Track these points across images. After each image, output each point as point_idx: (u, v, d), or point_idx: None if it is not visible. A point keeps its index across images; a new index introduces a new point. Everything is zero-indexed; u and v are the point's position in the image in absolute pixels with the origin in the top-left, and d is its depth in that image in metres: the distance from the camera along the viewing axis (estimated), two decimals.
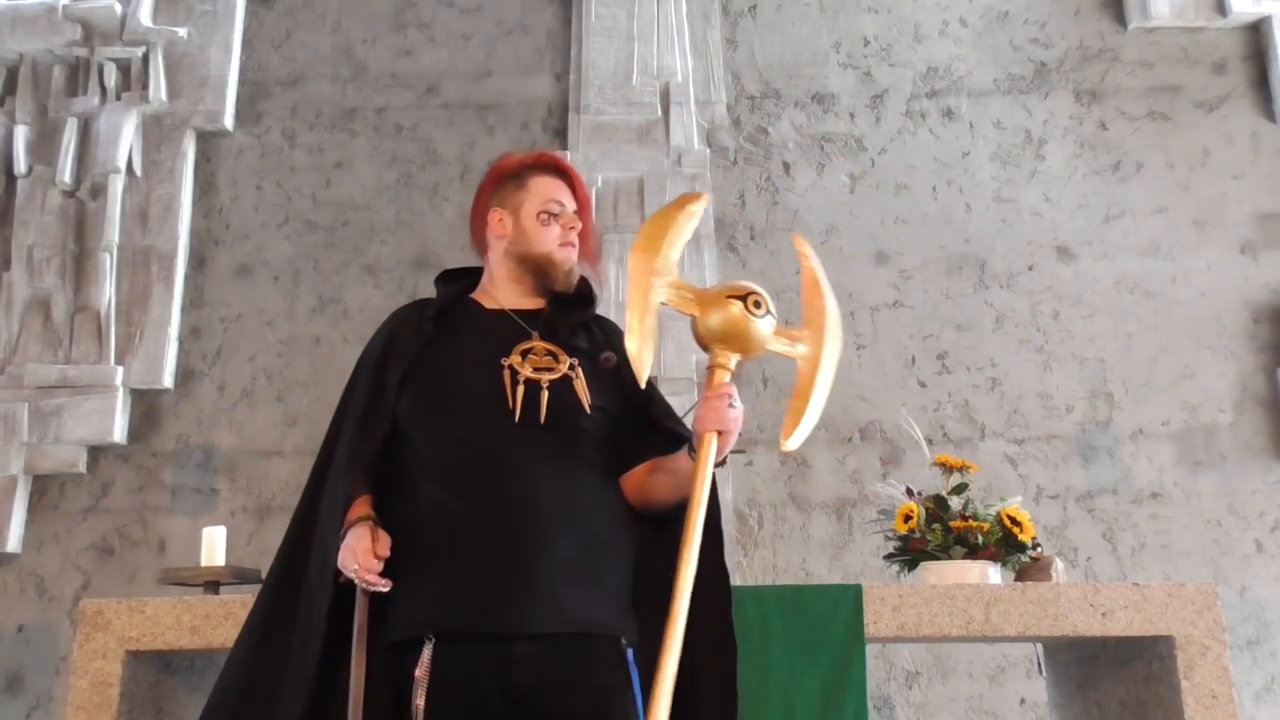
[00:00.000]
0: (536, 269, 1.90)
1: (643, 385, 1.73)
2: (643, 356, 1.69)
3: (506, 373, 1.76)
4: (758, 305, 1.71)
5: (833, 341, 1.82)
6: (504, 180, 1.94)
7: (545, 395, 1.75)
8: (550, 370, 1.80)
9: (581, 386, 1.79)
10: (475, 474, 1.69)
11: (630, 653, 1.66)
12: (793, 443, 1.72)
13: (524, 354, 1.81)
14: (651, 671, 1.52)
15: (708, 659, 1.67)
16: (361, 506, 1.72)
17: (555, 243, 1.90)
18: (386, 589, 1.61)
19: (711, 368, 1.71)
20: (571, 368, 1.81)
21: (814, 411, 1.75)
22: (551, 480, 1.69)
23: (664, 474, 1.78)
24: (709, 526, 1.65)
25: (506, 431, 1.71)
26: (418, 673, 1.55)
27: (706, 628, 1.66)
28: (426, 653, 1.56)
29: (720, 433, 1.65)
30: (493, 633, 1.57)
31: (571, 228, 1.91)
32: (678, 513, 1.66)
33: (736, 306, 1.71)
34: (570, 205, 1.93)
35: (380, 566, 1.62)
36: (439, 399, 1.78)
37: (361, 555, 1.62)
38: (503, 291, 1.92)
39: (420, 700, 1.54)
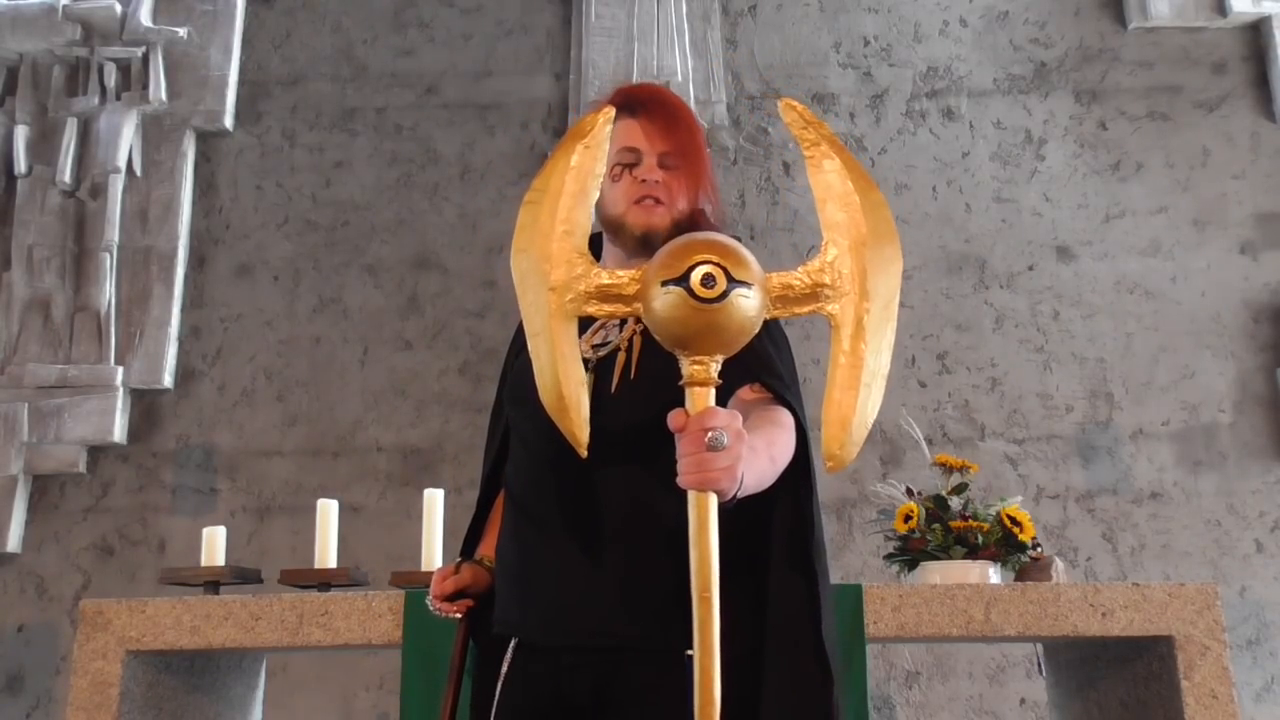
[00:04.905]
0: (614, 233, 1.55)
1: (583, 455, 1.26)
2: (569, 421, 1.24)
3: None
4: (709, 282, 1.13)
5: (885, 277, 1.24)
6: None
7: (591, 377, 1.41)
8: (606, 344, 1.49)
9: (624, 359, 1.45)
10: (524, 472, 1.55)
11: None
12: (839, 459, 1.22)
13: (598, 328, 1.50)
14: (722, 684, 1.32)
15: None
16: (488, 539, 1.66)
17: (626, 201, 1.51)
18: (449, 614, 1.61)
19: (683, 385, 1.19)
20: (633, 337, 1.46)
21: (867, 407, 1.22)
22: (590, 480, 1.41)
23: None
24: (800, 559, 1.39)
25: (547, 424, 1.38)
26: (504, 669, 1.54)
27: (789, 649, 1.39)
28: (509, 652, 1.54)
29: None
30: (538, 643, 1.50)
31: (644, 180, 1.50)
32: (779, 489, 1.35)
33: (673, 293, 1.14)
34: (655, 149, 1.51)
35: (446, 592, 1.60)
36: (519, 389, 1.54)
37: (434, 581, 1.62)
38: (610, 256, 1.59)
39: (498, 696, 1.53)
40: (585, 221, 1.26)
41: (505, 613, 1.55)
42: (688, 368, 1.18)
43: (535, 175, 1.28)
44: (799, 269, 1.24)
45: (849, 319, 1.23)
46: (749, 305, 1.16)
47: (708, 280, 1.13)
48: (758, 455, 1.23)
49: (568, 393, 1.24)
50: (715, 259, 1.15)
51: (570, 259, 1.24)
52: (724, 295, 1.13)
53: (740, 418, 1.18)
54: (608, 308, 1.23)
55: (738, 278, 1.14)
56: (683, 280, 1.14)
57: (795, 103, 1.28)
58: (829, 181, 1.27)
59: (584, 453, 1.25)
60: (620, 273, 1.24)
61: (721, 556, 1.18)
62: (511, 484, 1.60)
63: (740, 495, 1.20)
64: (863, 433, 1.22)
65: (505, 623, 1.55)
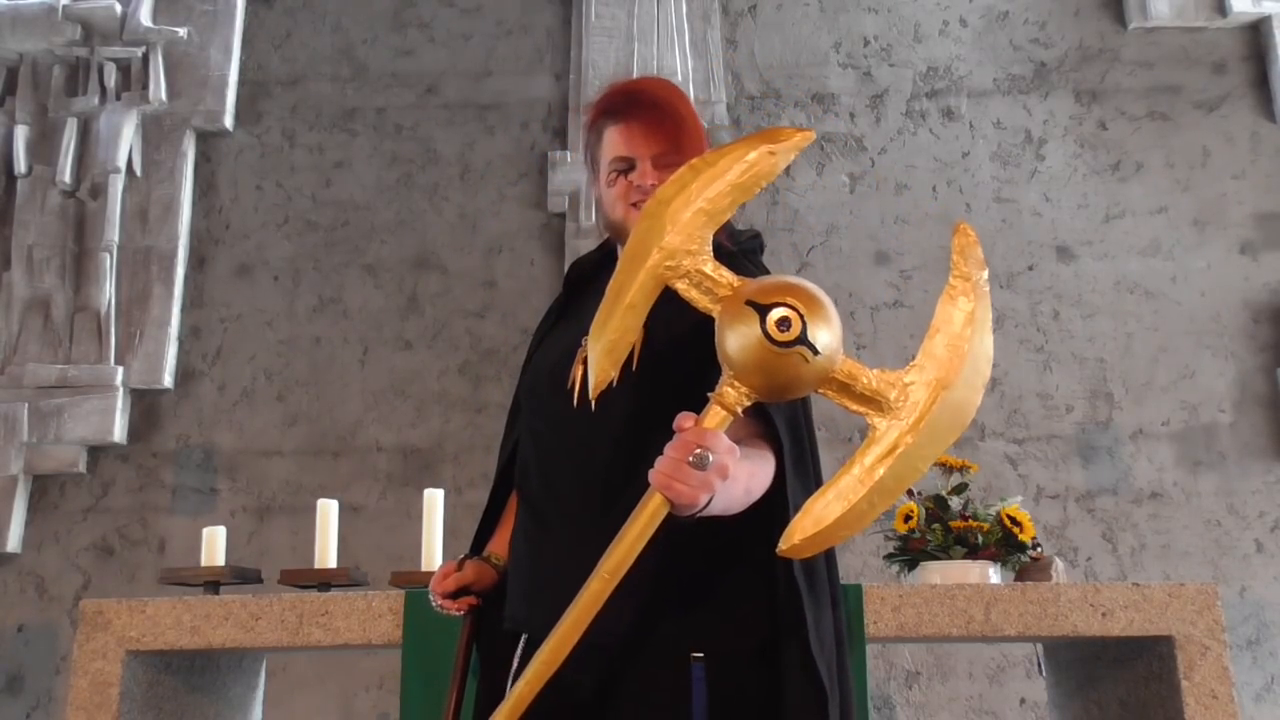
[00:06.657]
0: (614, 235, 1.58)
1: (591, 398, 1.27)
2: (600, 362, 1.24)
3: (581, 348, 1.43)
4: (784, 325, 1.14)
5: (946, 426, 1.24)
6: (588, 133, 1.60)
7: (581, 370, 1.43)
8: None
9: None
10: (532, 467, 1.56)
11: (699, 668, 1.37)
12: (794, 550, 1.20)
13: None
14: (727, 685, 1.34)
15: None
16: (499, 536, 1.67)
17: (624, 204, 1.53)
18: (450, 611, 1.62)
19: (709, 396, 1.20)
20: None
21: (845, 527, 1.20)
22: (596, 476, 1.42)
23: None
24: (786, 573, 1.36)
25: (556, 417, 1.47)
26: (514, 666, 1.54)
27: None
28: (520, 648, 1.55)
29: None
30: (536, 638, 1.49)
31: (638, 185, 1.52)
32: (769, 505, 1.34)
33: (753, 325, 1.15)
34: (647, 152, 1.52)
35: (447, 590, 1.61)
36: (530, 382, 1.61)
37: (436, 578, 1.63)
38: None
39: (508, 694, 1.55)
40: (727, 212, 1.27)
41: (513, 608, 1.56)
42: (724, 384, 1.19)
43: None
44: (874, 370, 1.25)
45: (886, 442, 1.23)
46: (805, 369, 1.17)
47: (783, 324, 1.14)
48: (735, 484, 1.24)
49: (616, 337, 1.25)
50: (802, 310, 1.16)
51: (692, 233, 1.25)
52: (789, 345, 1.14)
53: (737, 453, 1.18)
54: (694, 293, 1.24)
55: (811, 339, 1.15)
56: (763, 311, 1.15)
57: (970, 229, 1.31)
58: (952, 317, 1.33)
59: (593, 395, 1.27)
60: (725, 272, 1.25)
61: (736, 544, 1.28)
62: (520, 479, 1.60)
63: (703, 515, 1.21)
64: (826, 545, 1.21)
65: (513, 618, 1.55)
